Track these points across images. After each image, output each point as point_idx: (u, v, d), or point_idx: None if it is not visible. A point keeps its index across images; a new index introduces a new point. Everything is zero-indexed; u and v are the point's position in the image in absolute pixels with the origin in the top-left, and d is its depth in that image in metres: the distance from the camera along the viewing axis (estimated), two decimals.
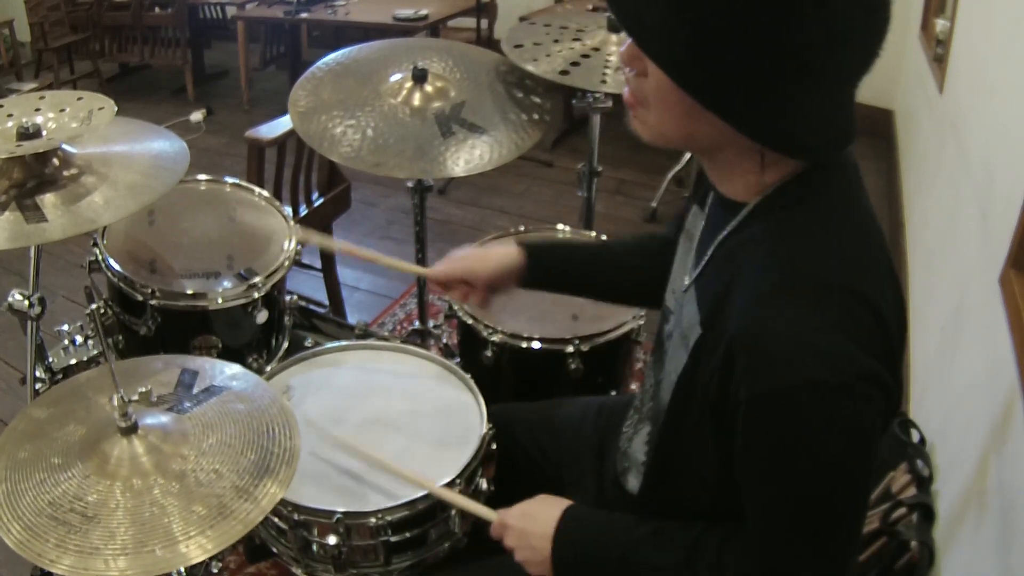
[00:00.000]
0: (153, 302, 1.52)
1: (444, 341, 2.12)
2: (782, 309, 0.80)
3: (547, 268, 1.29)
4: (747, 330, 0.81)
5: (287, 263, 1.66)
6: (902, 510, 1.37)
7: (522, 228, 1.88)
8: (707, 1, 0.77)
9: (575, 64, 1.79)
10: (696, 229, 1.03)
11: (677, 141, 0.89)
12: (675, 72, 0.81)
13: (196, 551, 0.91)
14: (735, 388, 0.82)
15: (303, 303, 1.90)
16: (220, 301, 1.55)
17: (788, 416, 0.79)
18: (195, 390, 1.14)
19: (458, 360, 1.70)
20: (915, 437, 1.57)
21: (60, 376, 1.68)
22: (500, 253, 1.27)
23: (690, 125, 0.86)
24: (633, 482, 1.10)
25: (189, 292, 1.56)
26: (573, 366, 1.55)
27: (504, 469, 1.32)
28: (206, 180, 1.78)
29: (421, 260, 2.05)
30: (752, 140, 0.83)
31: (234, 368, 1.20)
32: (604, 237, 1.86)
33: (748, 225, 0.90)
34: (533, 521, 1.06)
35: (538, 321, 1.69)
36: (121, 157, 1.37)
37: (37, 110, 1.36)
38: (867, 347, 0.79)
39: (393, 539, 1.18)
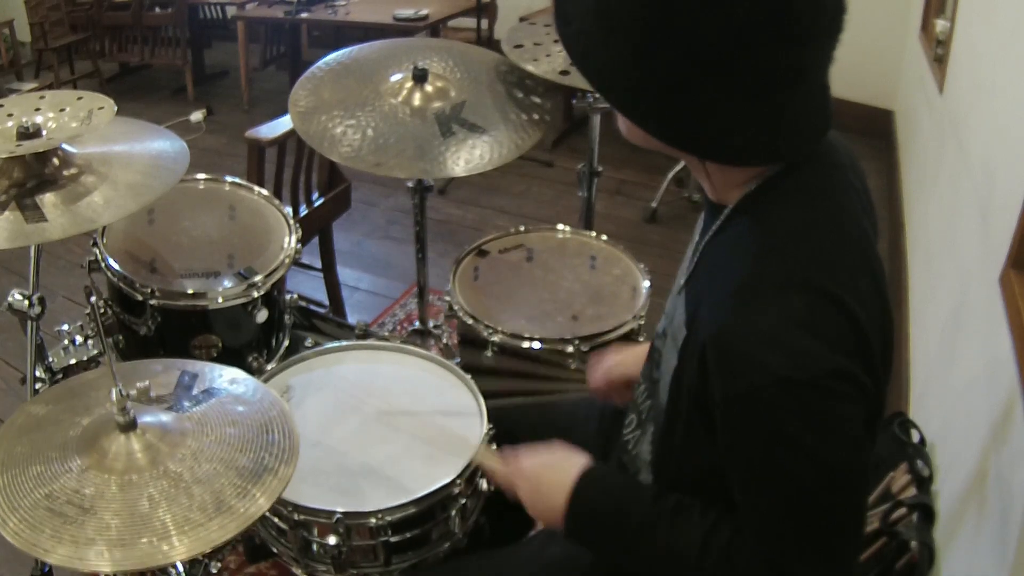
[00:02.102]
0: (153, 302, 1.52)
1: (444, 341, 2.12)
2: (747, 309, 0.81)
3: None
4: (716, 331, 0.83)
5: (287, 262, 1.66)
6: (902, 510, 1.37)
7: (522, 228, 1.88)
8: (615, 9, 0.80)
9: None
10: (697, 234, 1.04)
11: (641, 142, 0.92)
12: (584, 69, 0.85)
13: (191, 544, 0.91)
14: (711, 389, 0.84)
15: (303, 303, 1.90)
16: (220, 300, 1.55)
17: (760, 415, 0.80)
18: (194, 391, 1.14)
19: (458, 360, 1.70)
20: (915, 437, 1.57)
21: (60, 376, 1.67)
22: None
23: (638, 128, 0.88)
24: (646, 480, 1.10)
25: (189, 292, 1.56)
26: (573, 366, 1.55)
27: None
28: (205, 179, 1.78)
29: (421, 260, 2.05)
30: (670, 147, 0.86)
31: (233, 371, 1.20)
32: (604, 237, 1.86)
33: (729, 226, 0.92)
34: (551, 473, 1.02)
35: (538, 321, 1.69)
36: (121, 157, 1.36)
37: (37, 110, 1.36)
38: (834, 344, 0.79)
39: (393, 539, 1.18)
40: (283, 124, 2.19)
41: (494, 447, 1.24)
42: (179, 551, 0.90)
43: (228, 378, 1.18)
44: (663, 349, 1.02)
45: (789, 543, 0.84)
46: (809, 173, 0.89)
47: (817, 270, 0.82)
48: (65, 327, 1.79)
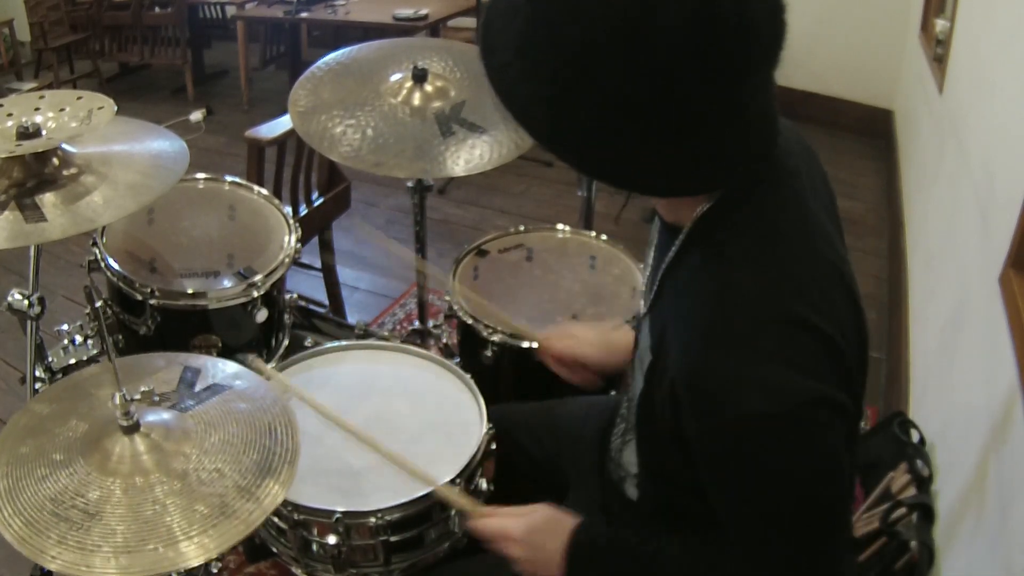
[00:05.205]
0: (153, 301, 1.52)
1: (444, 341, 2.12)
2: (718, 346, 0.80)
3: None
4: (687, 369, 0.82)
5: (287, 261, 1.66)
6: (902, 510, 1.38)
7: (522, 228, 1.88)
8: (537, 48, 0.77)
9: None
10: (651, 248, 1.03)
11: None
12: (506, 103, 0.82)
13: (197, 551, 0.91)
14: (686, 422, 0.84)
15: (303, 303, 1.90)
16: (220, 300, 1.55)
17: (737, 449, 0.81)
18: (197, 388, 1.14)
19: (458, 360, 1.70)
20: (915, 437, 1.57)
21: (60, 376, 1.67)
22: (622, 339, 1.29)
23: None
24: (631, 490, 1.10)
25: (189, 291, 1.56)
26: None
27: (504, 469, 1.32)
28: (205, 179, 1.78)
29: (421, 260, 2.05)
30: (591, 178, 0.84)
31: (236, 367, 1.20)
32: (604, 237, 1.86)
33: (687, 251, 0.89)
34: (544, 537, 1.03)
35: (538, 321, 1.69)
36: (121, 157, 1.36)
37: (37, 109, 1.35)
38: (809, 371, 0.78)
39: (393, 539, 1.18)
40: (283, 124, 2.19)
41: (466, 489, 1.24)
42: (186, 557, 0.90)
43: (231, 372, 1.18)
44: (632, 371, 1.03)
45: (775, 551, 0.86)
46: (764, 187, 0.85)
47: (785, 298, 0.80)
48: (65, 327, 1.79)
